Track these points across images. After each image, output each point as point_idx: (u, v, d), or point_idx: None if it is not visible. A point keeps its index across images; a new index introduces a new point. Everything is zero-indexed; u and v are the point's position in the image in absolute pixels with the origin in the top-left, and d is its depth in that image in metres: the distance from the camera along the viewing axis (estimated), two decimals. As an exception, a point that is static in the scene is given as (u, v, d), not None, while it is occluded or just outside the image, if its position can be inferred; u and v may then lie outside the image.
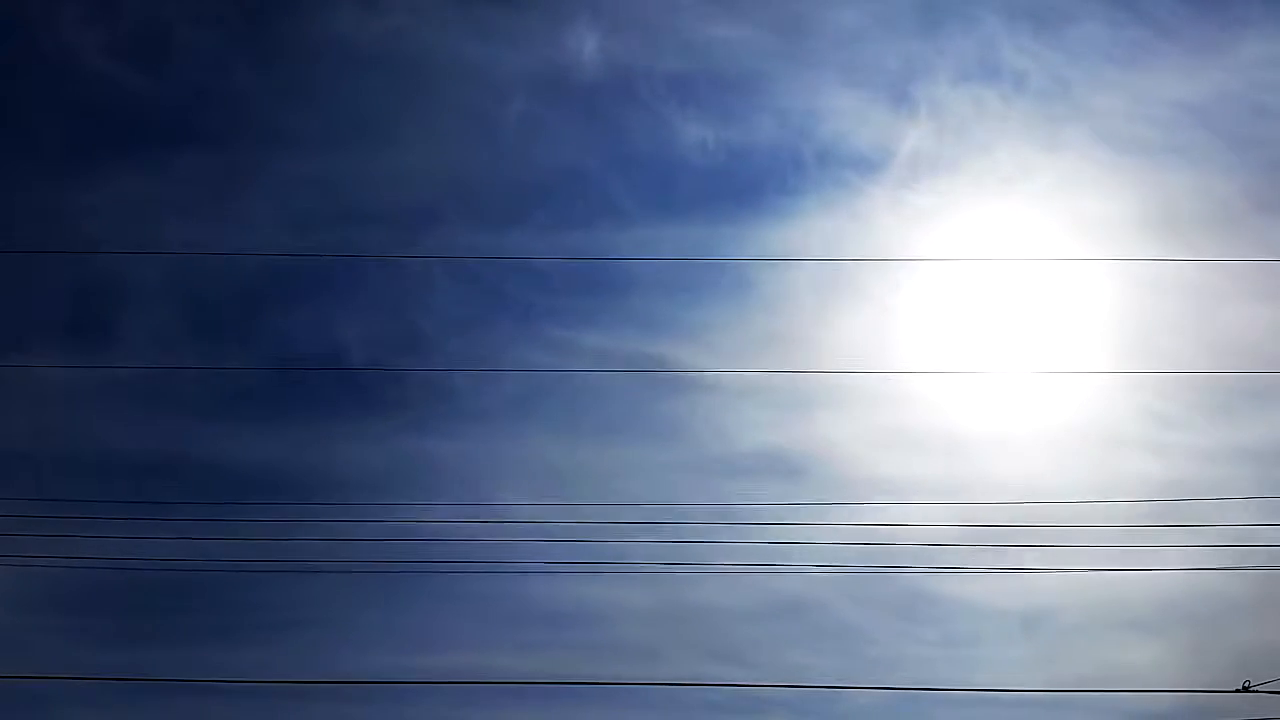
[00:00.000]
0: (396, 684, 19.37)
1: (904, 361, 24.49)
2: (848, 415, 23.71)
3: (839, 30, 28.15)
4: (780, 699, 19.21)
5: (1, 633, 21.77)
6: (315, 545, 20.22)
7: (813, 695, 18.77)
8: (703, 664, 22.58)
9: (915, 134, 27.21)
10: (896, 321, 24.49)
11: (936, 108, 27.28)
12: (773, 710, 19.91)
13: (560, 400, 24.24)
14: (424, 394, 24.72)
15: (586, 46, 27.75)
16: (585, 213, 27.65)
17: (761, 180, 27.89)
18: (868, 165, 27.32)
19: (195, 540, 20.59)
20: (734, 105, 28.37)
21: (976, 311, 23.57)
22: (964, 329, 23.87)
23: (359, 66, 28.25)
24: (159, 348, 25.49)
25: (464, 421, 25.24)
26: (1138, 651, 22.50)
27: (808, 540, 20.09)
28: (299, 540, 20.14)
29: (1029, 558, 19.49)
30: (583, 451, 24.78)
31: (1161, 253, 23.62)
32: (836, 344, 24.44)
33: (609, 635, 23.25)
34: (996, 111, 27.16)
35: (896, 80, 27.62)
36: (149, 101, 28.02)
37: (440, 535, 20.22)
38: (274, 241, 26.42)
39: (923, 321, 24.23)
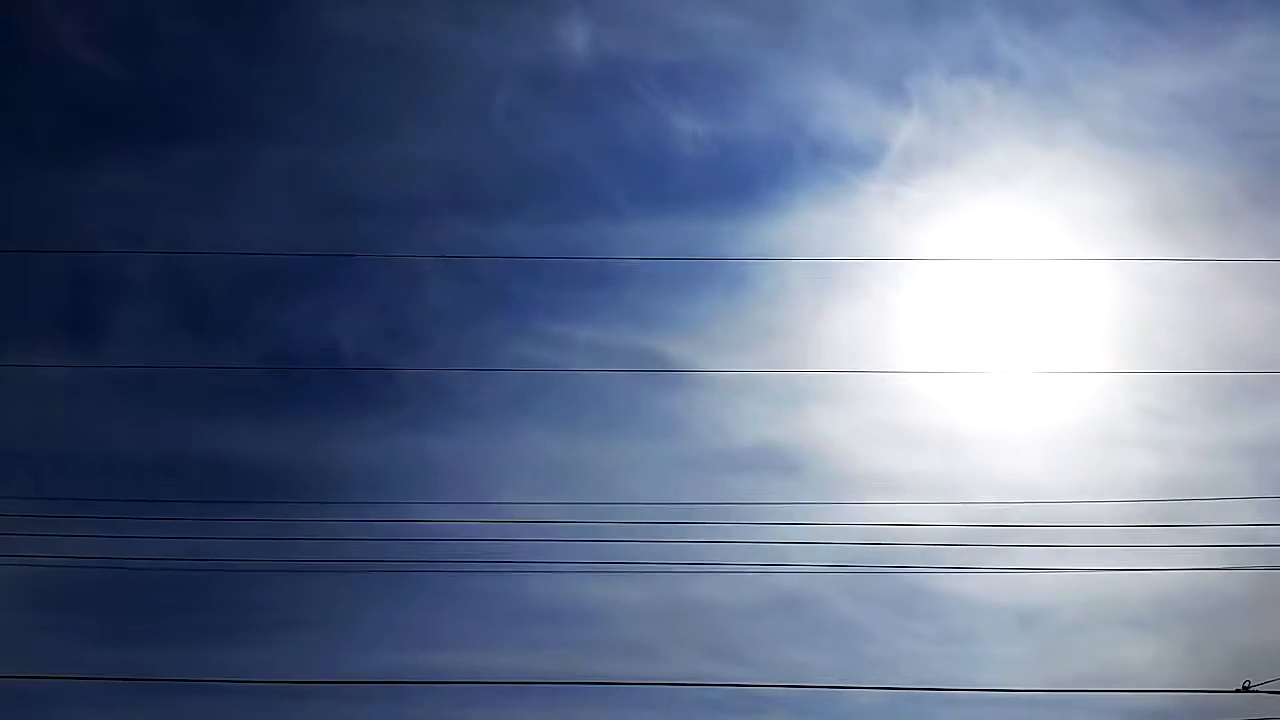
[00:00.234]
0: (395, 684, 19.35)
1: (901, 357, 24.57)
2: (845, 411, 23.77)
3: (831, 22, 28.11)
4: (779, 697, 19.25)
5: (-1, 632, 21.78)
6: (314, 544, 20.20)
7: (812, 693, 18.82)
8: (701, 661, 22.61)
9: (909, 128, 27.21)
10: (893, 316, 24.55)
11: (930, 102, 27.30)
12: (772, 709, 19.95)
13: (557, 396, 24.24)
14: (421, 390, 24.70)
15: (578, 38, 27.71)
16: (578, 205, 27.64)
17: (755, 174, 27.89)
18: (861, 159, 27.33)
19: (193, 539, 20.60)
20: (726, 97, 28.36)
21: (974, 307, 23.64)
22: (961, 325, 23.93)
23: (349, 58, 28.17)
24: (151, 344, 25.48)
25: (461, 417, 25.23)
26: (1136, 649, 22.58)
27: (806, 538, 20.13)
28: (298, 539, 20.12)
29: (1027, 555, 19.56)
30: (580, 447, 24.79)
31: (1158, 248, 23.72)
32: (833, 339, 24.49)
33: (608, 633, 23.29)
34: (991, 106, 27.17)
35: (890, 73, 27.60)
36: (135, 94, 27.92)
37: (439, 534, 20.21)
38: (264, 234, 26.37)
39: (920, 316, 24.29)
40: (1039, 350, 23.52)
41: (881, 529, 19.94)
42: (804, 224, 26.50)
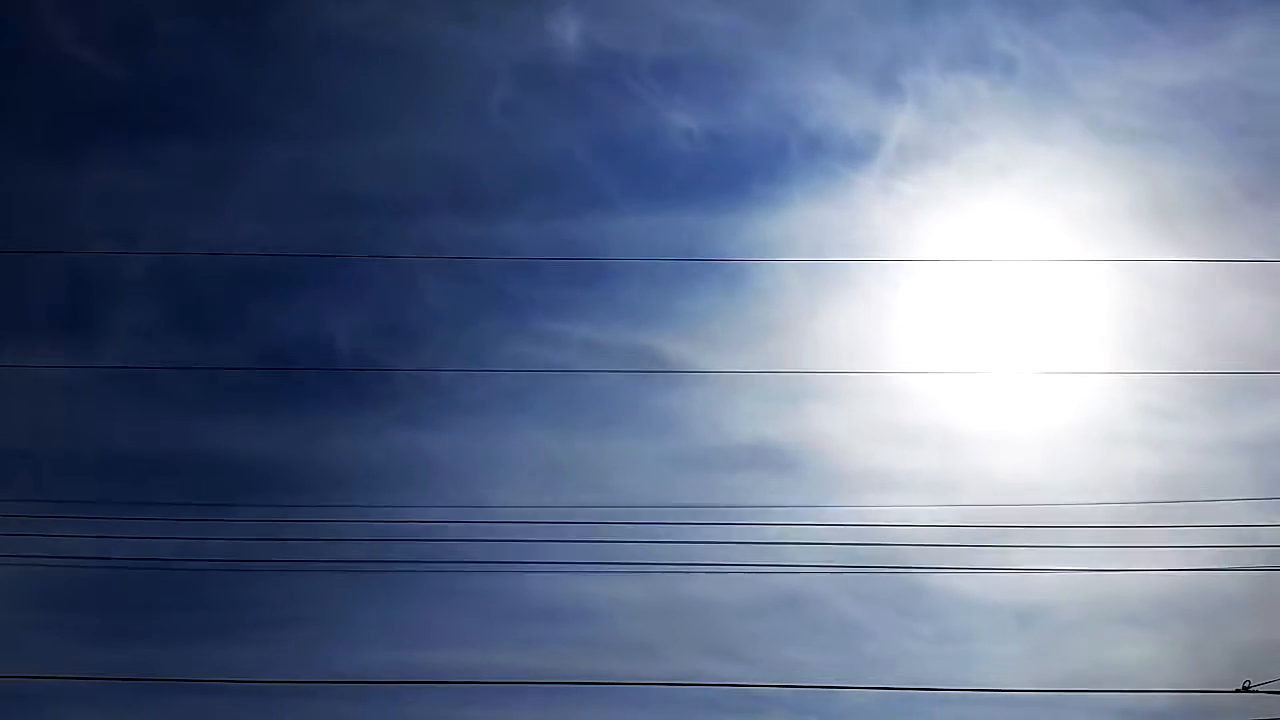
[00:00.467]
0: (393, 684, 19.34)
1: (898, 354, 24.55)
2: (842, 408, 23.71)
3: (826, 17, 28.02)
4: (778, 696, 19.26)
5: (-7, 631, 21.75)
6: (311, 541, 20.18)
7: (811, 691, 18.83)
8: (699, 660, 22.60)
9: (903, 123, 27.16)
10: (889, 312, 24.47)
11: (925, 96, 27.24)
12: (771, 707, 19.95)
13: (553, 393, 24.19)
14: (417, 387, 24.65)
15: (571, 33, 27.64)
16: (574, 201, 27.58)
17: (749, 169, 27.81)
18: (856, 154, 27.26)
19: (189, 539, 20.58)
20: (721, 93, 28.30)
21: (971, 304, 23.57)
22: (959, 322, 23.89)
23: (344, 55, 28.09)
24: (148, 342, 25.44)
25: (456, 414, 25.17)
26: (1134, 648, 22.59)
27: (804, 536, 20.13)
28: (295, 540, 20.10)
29: (1025, 553, 19.56)
30: (575, 445, 24.77)
31: (1154, 243, 23.73)
32: (830, 336, 24.44)
33: (605, 631, 23.26)
34: (986, 100, 27.10)
35: (884, 68, 27.55)
36: (132, 92, 27.82)
37: (436, 532, 20.20)
38: (261, 232, 26.34)
39: (916, 312, 24.24)
40: (1037, 348, 23.53)
41: (880, 526, 19.98)
42: (799, 219, 26.49)
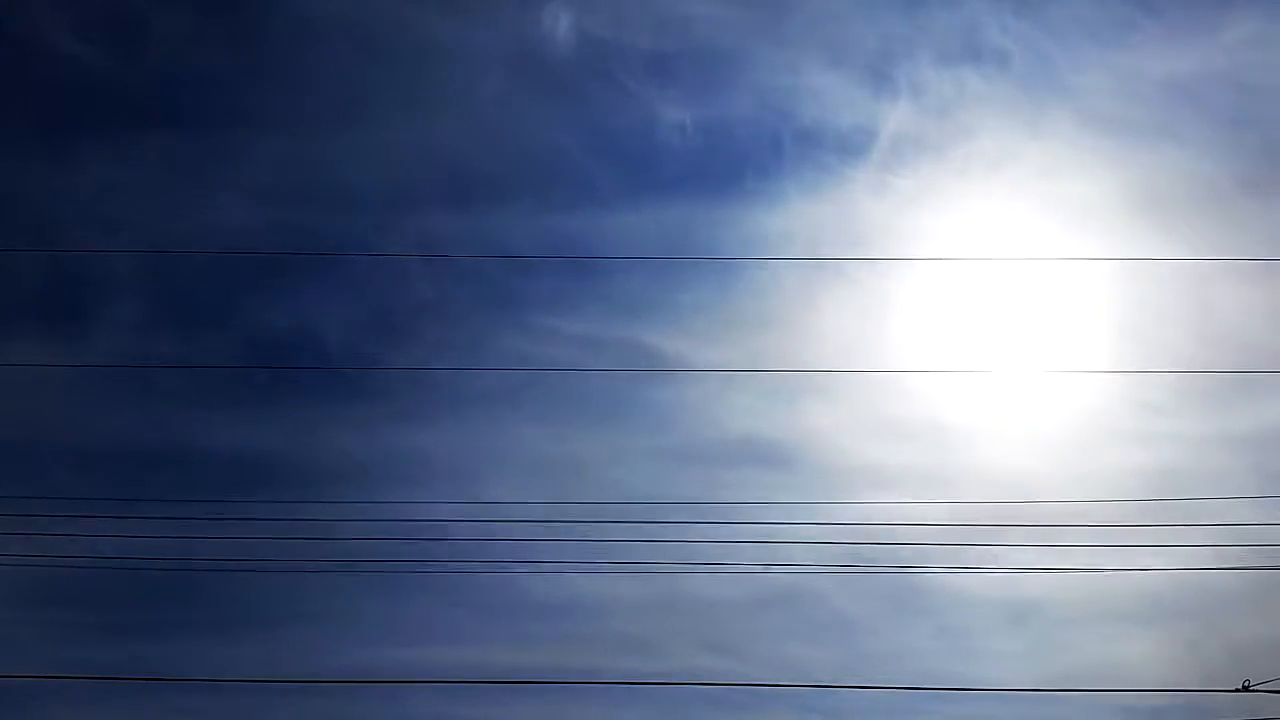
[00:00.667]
0: (390, 683, 19.28)
1: (892, 348, 24.52)
2: (836, 404, 23.67)
3: (819, 9, 27.89)
4: (776, 693, 19.22)
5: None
6: (305, 537, 20.09)
7: (809, 687, 18.81)
8: (697, 656, 22.70)
9: (897, 116, 27.11)
10: (884, 307, 24.44)
11: (919, 89, 27.18)
12: (769, 704, 19.95)
13: (546, 388, 24.12)
14: (409, 382, 24.58)
15: (562, 25, 27.53)
16: (565, 194, 27.52)
17: (742, 162, 27.75)
18: (849, 148, 27.21)
19: (182, 534, 20.47)
20: (712, 84, 28.19)
21: (966, 300, 23.51)
22: (953, 316, 23.82)
23: (334, 47, 27.99)
24: (137, 336, 25.35)
25: (448, 409, 25.12)
26: (1131, 643, 22.65)
27: (801, 532, 20.09)
28: (288, 539, 20.02)
29: (1021, 549, 19.52)
30: (570, 440, 24.75)
31: (1149, 236, 23.75)
32: (824, 330, 24.41)
33: (602, 628, 23.27)
34: (980, 93, 27.04)
35: (877, 61, 27.47)
36: (119, 83, 27.68)
37: (433, 529, 20.12)
38: (250, 223, 26.30)
39: (911, 307, 24.20)
40: (1032, 344, 23.54)
41: (876, 521, 19.95)
42: (793, 213, 26.47)
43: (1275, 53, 25.94)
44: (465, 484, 23.45)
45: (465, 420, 25.04)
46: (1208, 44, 26.76)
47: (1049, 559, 19.43)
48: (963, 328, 23.78)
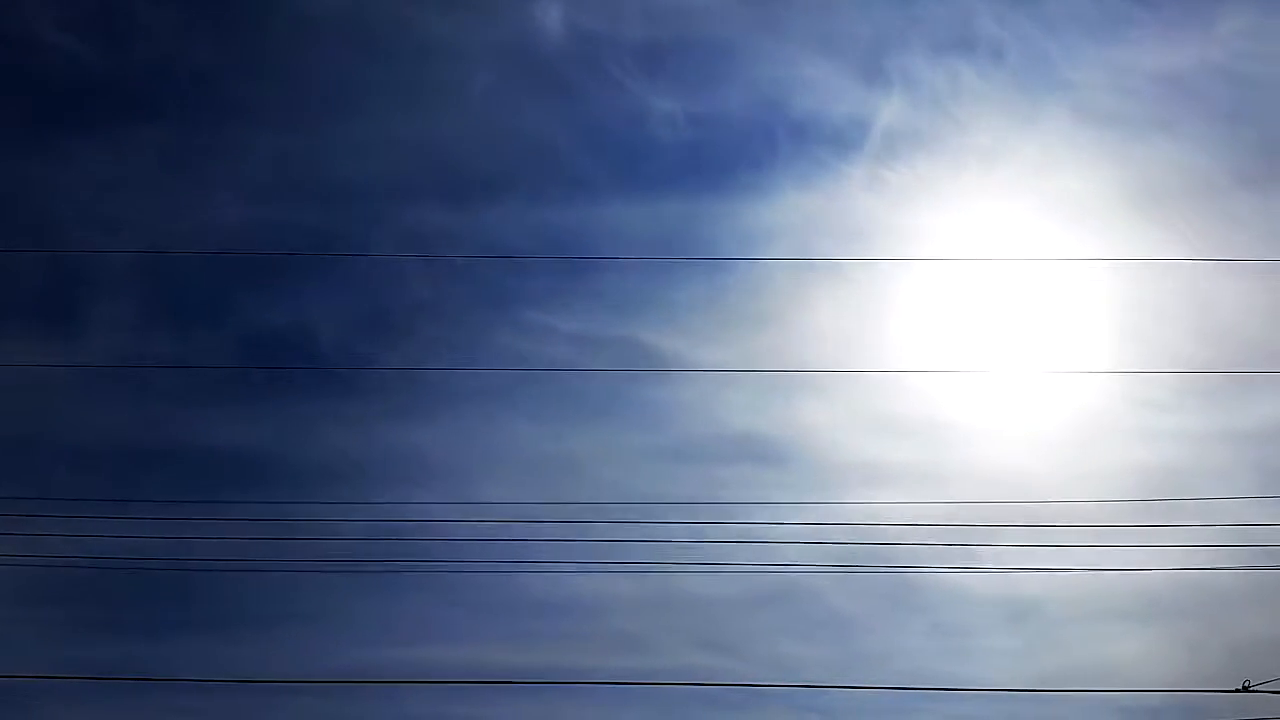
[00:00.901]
0: (386, 683, 19.25)
1: (886, 344, 24.46)
2: (831, 401, 23.62)
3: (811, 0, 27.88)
4: (772, 691, 19.22)
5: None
6: (298, 535, 20.01)
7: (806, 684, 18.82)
8: (694, 654, 22.65)
9: (890, 109, 27.06)
10: (879, 303, 24.37)
11: (912, 82, 27.12)
12: (766, 702, 19.92)
13: (540, 386, 24.04)
14: (402, 379, 24.50)
15: (552, 16, 27.42)
16: (555, 187, 27.47)
17: (734, 155, 27.72)
18: (842, 141, 27.18)
19: (177, 532, 20.40)
20: (704, 78, 28.12)
21: (962, 296, 23.44)
22: (949, 313, 23.78)
23: (322, 39, 27.90)
24: (129, 333, 25.26)
25: (444, 407, 25.04)
26: (1128, 642, 22.65)
27: (797, 530, 20.05)
28: (282, 537, 19.94)
29: (1017, 547, 19.49)
30: (563, 437, 24.68)
31: (1143, 230, 23.73)
32: (818, 326, 24.36)
33: (599, 626, 23.20)
34: (973, 86, 26.98)
35: (870, 52, 27.41)
36: (107, 77, 27.59)
37: (427, 528, 20.07)
38: (242, 218, 26.25)
39: (906, 303, 24.14)
40: (1029, 341, 23.50)
41: (872, 520, 19.91)
42: (786, 207, 26.42)
43: (1271, 46, 25.96)
44: (460, 482, 23.41)
45: (460, 418, 25.01)
46: (1203, 38, 26.77)
47: (1046, 557, 19.43)
48: (960, 324, 23.76)
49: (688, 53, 27.85)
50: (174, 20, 27.45)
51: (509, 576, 21.10)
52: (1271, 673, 17.52)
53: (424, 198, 27.01)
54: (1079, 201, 24.92)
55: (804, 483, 23.15)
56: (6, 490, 20.80)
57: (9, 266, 23.44)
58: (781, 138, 27.54)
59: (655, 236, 26.34)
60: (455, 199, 27.09)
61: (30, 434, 24.00)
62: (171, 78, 27.39)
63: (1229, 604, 20.78)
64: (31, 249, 23.55)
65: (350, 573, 20.60)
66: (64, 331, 25.36)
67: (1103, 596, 21.27)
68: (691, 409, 24.61)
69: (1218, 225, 23.91)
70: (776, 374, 23.00)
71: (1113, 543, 19.20)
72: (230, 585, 21.53)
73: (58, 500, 20.52)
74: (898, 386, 22.12)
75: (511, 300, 25.57)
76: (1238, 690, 17.48)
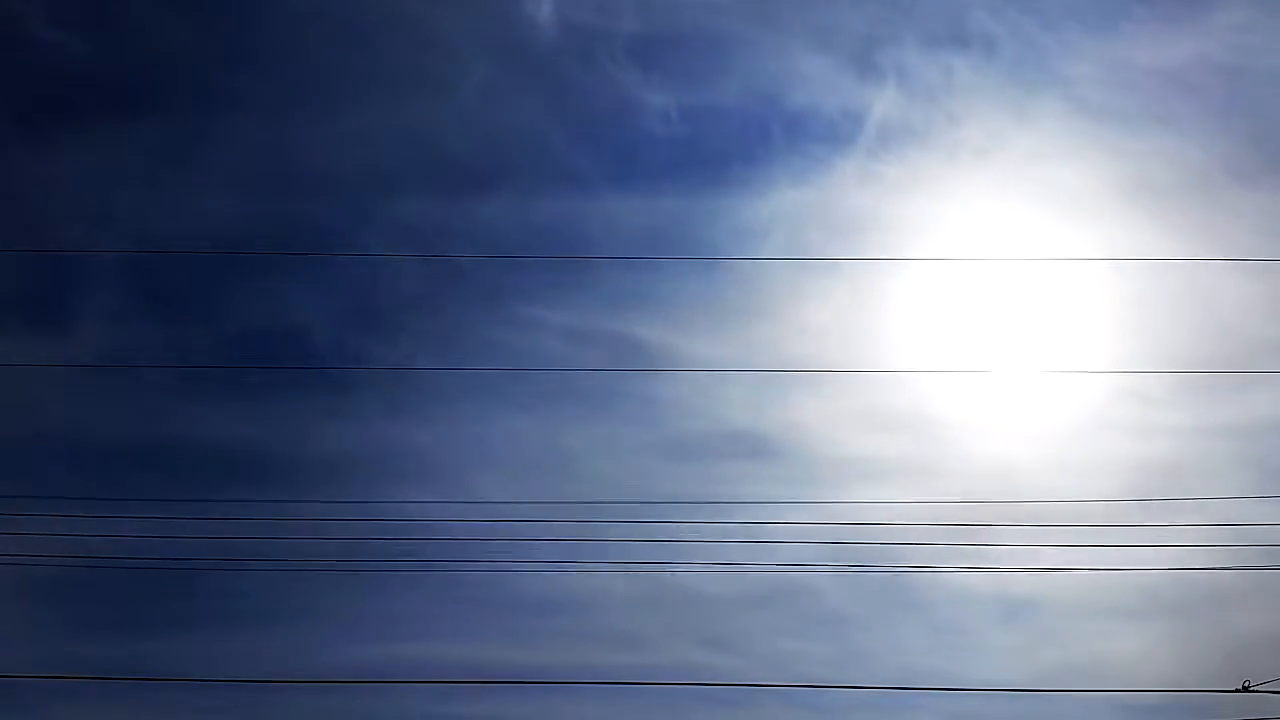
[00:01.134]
0: (382, 683, 19.22)
1: (882, 339, 24.45)
2: (827, 396, 23.57)
3: (802, -9, 27.79)
4: (771, 688, 19.19)
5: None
6: (294, 532, 19.97)
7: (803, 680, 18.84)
8: (691, 651, 22.64)
9: (883, 103, 26.97)
10: (873, 298, 24.30)
11: (905, 76, 27.04)
12: (764, 700, 19.89)
13: (533, 380, 23.94)
14: (396, 375, 24.43)
15: (544, 8, 27.30)
16: (547, 181, 27.37)
17: (727, 150, 27.63)
18: (836, 135, 27.08)
19: (170, 529, 20.32)
20: (697, 71, 28.04)
21: (957, 292, 23.38)
22: (944, 308, 23.76)
23: (313, 32, 27.75)
24: (117, 327, 25.17)
25: (435, 402, 24.96)
26: (1125, 638, 22.68)
27: (792, 527, 20.03)
28: (277, 537, 19.89)
29: (1013, 542, 19.49)
30: (557, 432, 24.62)
31: (1138, 224, 23.72)
32: (812, 321, 24.31)
33: (595, 623, 23.16)
34: (968, 80, 26.91)
35: (864, 46, 27.32)
36: (97, 71, 27.43)
37: (422, 526, 20.02)
38: (232, 210, 26.17)
39: (901, 298, 24.08)
40: (1024, 337, 23.50)
41: (869, 517, 19.87)
42: (779, 201, 26.35)
43: (1266, 39, 25.93)
44: (454, 478, 23.38)
45: (454, 414, 24.95)
46: (1198, 30, 26.73)
47: (1044, 554, 19.42)
48: (955, 320, 23.73)
49: (681, 46, 27.79)
50: (164, 14, 27.38)
51: (505, 575, 21.10)
52: (1270, 671, 17.56)
53: (416, 191, 26.99)
54: (1073, 195, 24.94)
55: (800, 479, 23.19)
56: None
57: (-1, 262, 23.40)
58: (775, 131, 27.49)
59: (648, 230, 26.31)
60: (448, 192, 27.06)
61: (21, 431, 23.93)
62: (163, 71, 27.34)
63: (1227, 601, 20.83)
64: (21, 244, 23.47)
65: (345, 571, 20.57)
66: (54, 327, 25.31)
67: (1100, 593, 21.29)
68: (686, 404, 24.62)
69: (1213, 219, 23.95)
70: (770, 368, 23.05)
71: (1110, 539, 19.21)
72: (223, 583, 21.52)
73: (48, 499, 20.48)
74: (894, 382, 22.11)
75: (504, 295, 25.49)
76: (1238, 690, 17.50)
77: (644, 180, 27.46)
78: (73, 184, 26.22)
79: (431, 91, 27.74)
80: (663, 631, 23.02)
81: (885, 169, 26.51)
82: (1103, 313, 23.42)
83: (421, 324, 25.58)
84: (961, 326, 23.65)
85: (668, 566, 20.19)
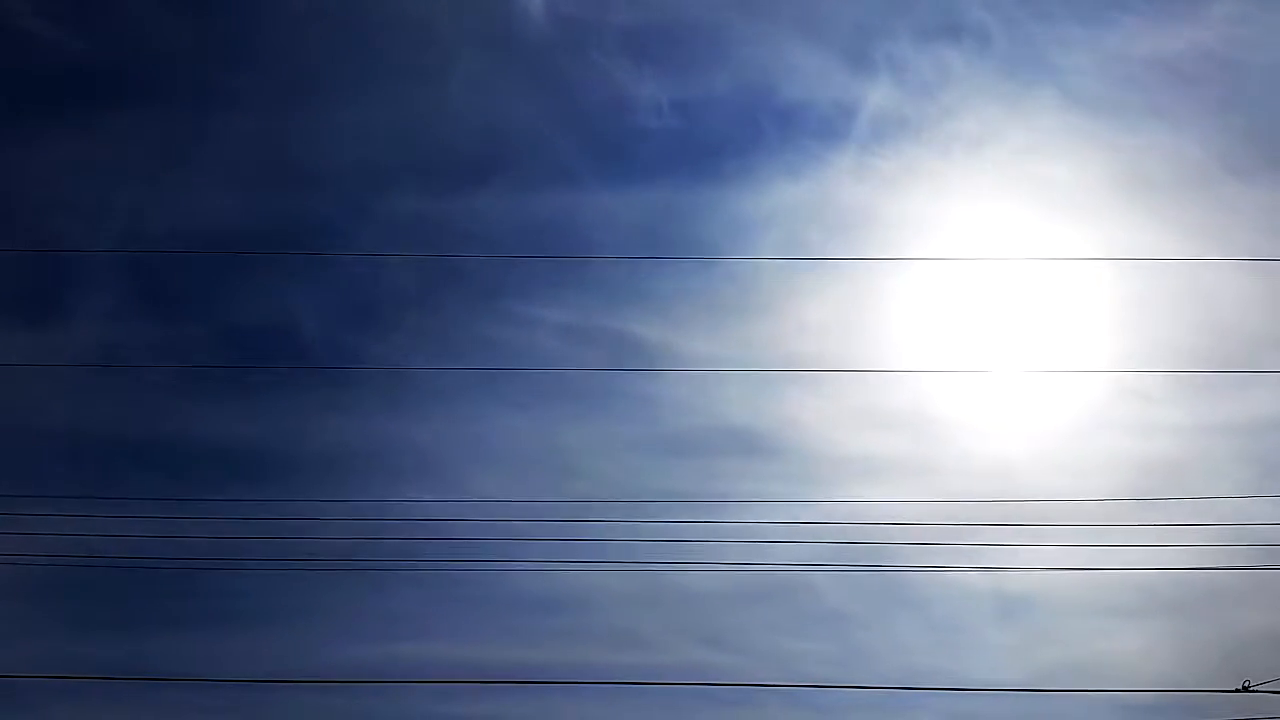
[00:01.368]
0: (380, 683, 19.23)
1: (878, 336, 24.44)
2: (824, 394, 23.59)
3: (796, -17, 27.72)
4: (770, 686, 19.22)
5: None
6: (289, 530, 19.93)
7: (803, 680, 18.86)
8: (690, 650, 22.67)
9: (877, 96, 26.93)
10: (870, 295, 24.29)
11: (899, 68, 27.00)
12: (763, 698, 19.93)
13: (528, 377, 23.90)
14: (391, 372, 24.41)
15: (534, 1, 27.24)
16: (539, 175, 27.36)
17: (720, 143, 27.61)
18: (830, 129, 27.07)
19: (166, 527, 20.29)
20: (689, 63, 27.98)
21: (954, 290, 23.39)
22: (941, 306, 23.77)
23: (301, 22, 27.66)
24: (109, 322, 25.13)
25: (430, 399, 24.93)
26: (1123, 637, 22.74)
27: (790, 525, 20.04)
28: (272, 536, 19.86)
29: (1012, 542, 19.52)
30: (553, 429, 24.60)
31: (1133, 218, 23.71)
32: (808, 317, 24.31)
33: (594, 621, 23.22)
34: (961, 72, 26.88)
35: (857, 39, 27.29)
36: (85, 62, 27.31)
37: (418, 524, 20.01)
38: (223, 205, 26.13)
39: (897, 296, 24.07)
40: (1021, 335, 23.49)
41: (866, 515, 19.90)
42: (772, 194, 26.33)
43: (1262, 32, 25.93)
44: (451, 476, 23.41)
45: (449, 411, 24.93)
46: (1193, 23, 26.72)
47: (1042, 552, 19.45)
48: (952, 318, 23.73)
49: (673, 39, 27.72)
50: (158, 10, 27.33)
51: (503, 574, 21.12)
52: (1270, 670, 17.62)
53: (408, 185, 26.95)
54: (1067, 188, 24.97)
55: (799, 477, 23.22)
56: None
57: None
58: (768, 125, 27.48)
59: (641, 224, 26.30)
60: (439, 187, 27.02)
61: (17, 428, 23.90)
62: (158, 68, 27.28)
63: (1226, 599, 20.89)
64: (18, 241, 23.44)
65: (345, 570, 20.56)
66: (50, 324, 25.26)
67: (1100, 592, 21.36)
68: (684, 402, 24.62)
69: (1208, 213, 23.98)
70: (767, 365, 23.06)
71: (1110, 538, 19.24)
72: (222, 582, 21.50)
73: (46, 497, 20.44)
74: (893, 380, 22.11)
75: (502, 292, 25.48)
76: (1237, 690, 17.56)
77: (637, 174, 27.49)
78: (69, 180, 26.19)
79: (424, 85, 27.72)
80: (662, 630, 23.08)
81: (880, 162, 26.55)
82: (1102, 311, 23.46)
83: (418, 322, 25.59)
84: (961, 325, 23.69)
85: (666, 565, 20.27)
